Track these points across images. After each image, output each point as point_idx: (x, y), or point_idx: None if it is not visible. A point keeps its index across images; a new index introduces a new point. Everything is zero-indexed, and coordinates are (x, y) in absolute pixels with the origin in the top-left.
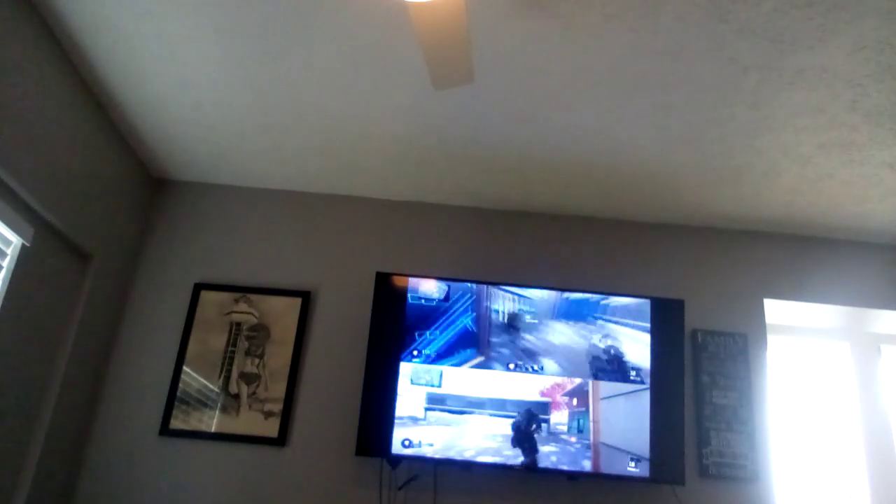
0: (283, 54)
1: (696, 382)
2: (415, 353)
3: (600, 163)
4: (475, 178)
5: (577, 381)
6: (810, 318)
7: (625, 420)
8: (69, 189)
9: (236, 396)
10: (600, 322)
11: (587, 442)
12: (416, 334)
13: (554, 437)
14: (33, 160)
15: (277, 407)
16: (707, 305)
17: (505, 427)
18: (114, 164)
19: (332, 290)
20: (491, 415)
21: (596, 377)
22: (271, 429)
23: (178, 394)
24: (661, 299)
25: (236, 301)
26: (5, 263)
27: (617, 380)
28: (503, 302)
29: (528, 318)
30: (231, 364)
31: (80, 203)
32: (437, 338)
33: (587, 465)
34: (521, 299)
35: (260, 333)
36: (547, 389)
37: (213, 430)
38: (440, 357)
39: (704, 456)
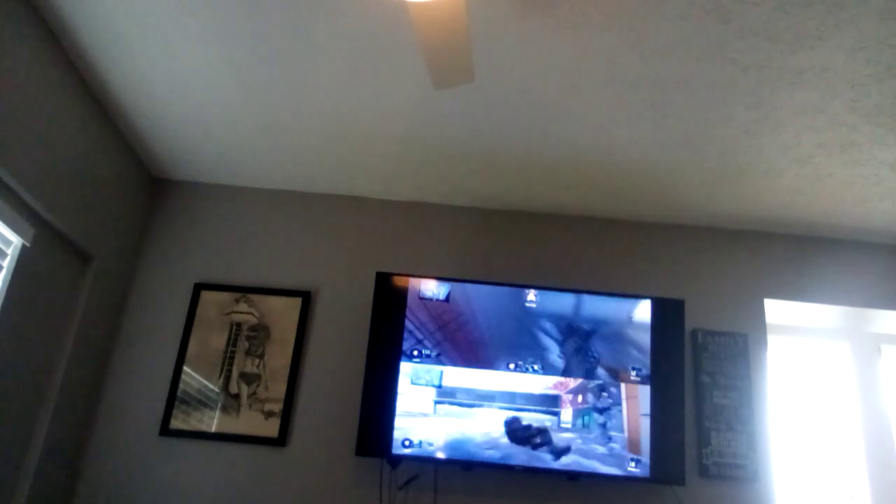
0: (283, 54)
1: (696, 382)
2: (415, 352)
3: (600, 163)
4: (475, 178)
5: (579, 380)
6: (810, 318)
7: (625, 420)
8: (69, 189)
9: (236, 396)
10: (600, 322)
11: (587, 441)
12: (417, 334)
13: (553, 436)
14: (33, 160)
15: (277, 407)
16: (707, 305)
17: (503, 426)
18: (114, 164)
19: (332, 290)
20: (490, 414)
21: (596, 377)
22: (271, 429)
23: (179, 394)
24: (662, 299)
25: (236, 301)
26: (5, 263)
27: (617, 379)
28: (503, 302)
29: (528, 318)
30: (231, 364)
31: (81, 203)
32: (437, 338)
33: (588, 465)
34: (521, 299)
35: (260, 333)
36: (547, 389)
37: (213, 430)
38: (440, 357)
39: (705, 456)
